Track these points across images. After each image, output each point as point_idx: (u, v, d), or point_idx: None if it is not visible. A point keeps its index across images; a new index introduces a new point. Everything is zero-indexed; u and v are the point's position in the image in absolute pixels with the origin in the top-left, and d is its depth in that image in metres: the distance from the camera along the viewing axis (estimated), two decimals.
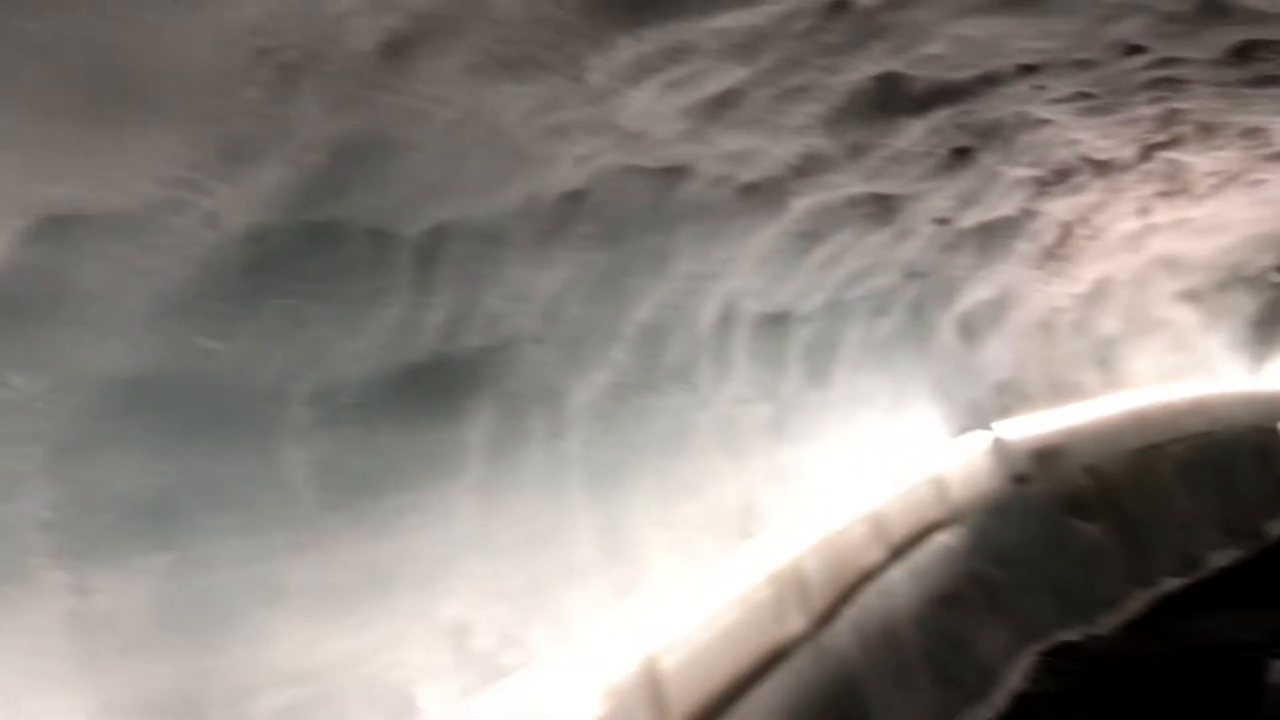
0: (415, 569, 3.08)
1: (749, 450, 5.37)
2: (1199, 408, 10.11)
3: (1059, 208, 7.58)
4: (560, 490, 3.82)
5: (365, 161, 2.66)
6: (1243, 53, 4.70)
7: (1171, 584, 9.12)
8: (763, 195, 4.77)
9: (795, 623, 4.41)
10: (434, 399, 3.26)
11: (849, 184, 5.11)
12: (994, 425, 7.70)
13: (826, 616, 4.82)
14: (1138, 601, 8.66)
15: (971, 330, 7.77)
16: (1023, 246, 7.68)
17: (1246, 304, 11.25)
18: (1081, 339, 9.24)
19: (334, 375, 2.86)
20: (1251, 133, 6.96)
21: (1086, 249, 8.42)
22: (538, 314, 3.73)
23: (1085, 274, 8.79)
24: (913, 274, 6.78)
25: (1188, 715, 5.81)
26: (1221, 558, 9.91)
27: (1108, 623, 8.11)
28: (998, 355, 8.19)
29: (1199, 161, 7.54)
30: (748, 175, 4.50)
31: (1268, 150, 7.26)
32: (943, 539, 6.89)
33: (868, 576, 5.29)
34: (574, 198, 3.64)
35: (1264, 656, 6.28)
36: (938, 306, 7.23)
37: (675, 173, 4.06)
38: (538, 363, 3.75)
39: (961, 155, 5.67)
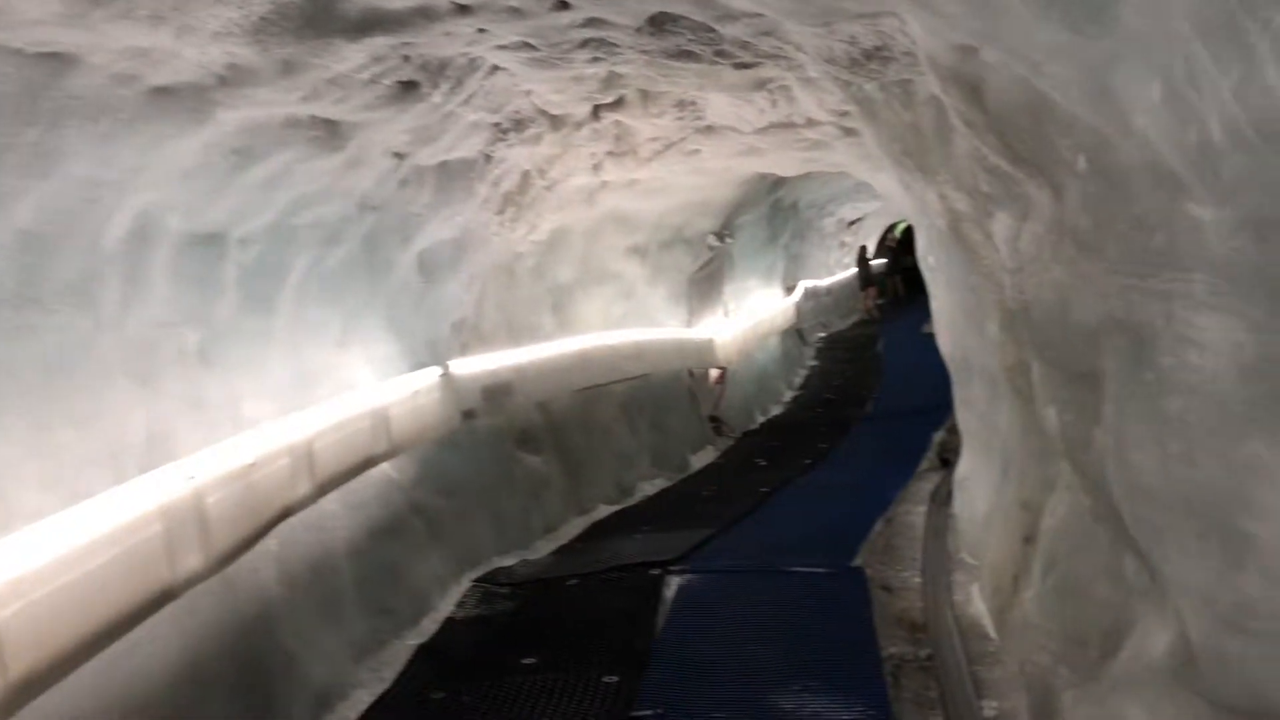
0: None
1: (166, 377, 4.97)
2: (640, 353, 11.16)
3: (518, 156, 7.89)
4: None
5: None
6: (658, 24, 5.15)
7: (606, 511, 10.04)
8: (182, 102, 4.38)
9: (192, 560, 4.16)
10: None
11: (285, 103, 4.86)
12: (450, 362, 7.87)
13: (236, 553, 4.61)
14: (574, 528, 9.42)
15: (431, 268, 7.86)
16: (484, 190, 7.89)
17: (686, 263, 12.60)
18: (539, 284, 9.76)
19: None
20: (684, 105, 7.70)
21: (546, 199, 8.87)
22: None
23: (544, 223, 9.28)
24: (368, 206, 6.68)
25: (595, 624, 6.37)
26: (650, 487, 11.10)
27: (544, 548, 8.73)
28: (457, 295, 8.38)
29: (642, 127, 8.22)
30: (159, 78, 4.10)
31: (700, 123, 8.09)
32: (387, 472, 6.95)
33: (292, 510, 5.15)
34: None
35: (664, 573, 7.12)
36: (396, 242, 7.21)
37: (59, 61, 3.58)
38: None
39: (411, 90, 5.65)
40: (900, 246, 31.61)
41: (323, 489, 5.46)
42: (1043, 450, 5.69)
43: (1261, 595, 2.82)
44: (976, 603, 6.60)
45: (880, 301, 27.56)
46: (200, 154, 4.77)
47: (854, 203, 23.74)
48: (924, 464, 10.88)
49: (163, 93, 4.22)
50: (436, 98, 5.87)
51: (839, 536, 7.93)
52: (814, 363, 20.06)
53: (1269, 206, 2.20)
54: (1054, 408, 4.64)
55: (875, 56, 4.18)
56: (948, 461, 10.86)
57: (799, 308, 19.34)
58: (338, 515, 6.30)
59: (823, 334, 22.92)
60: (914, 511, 9.13)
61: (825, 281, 24.46)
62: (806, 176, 15.62)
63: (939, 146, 5.09)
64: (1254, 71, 1.91)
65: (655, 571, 7.12)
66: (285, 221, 5.89)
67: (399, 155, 6.60)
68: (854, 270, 27.09)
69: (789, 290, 19.11)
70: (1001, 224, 4.68)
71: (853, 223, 28.01)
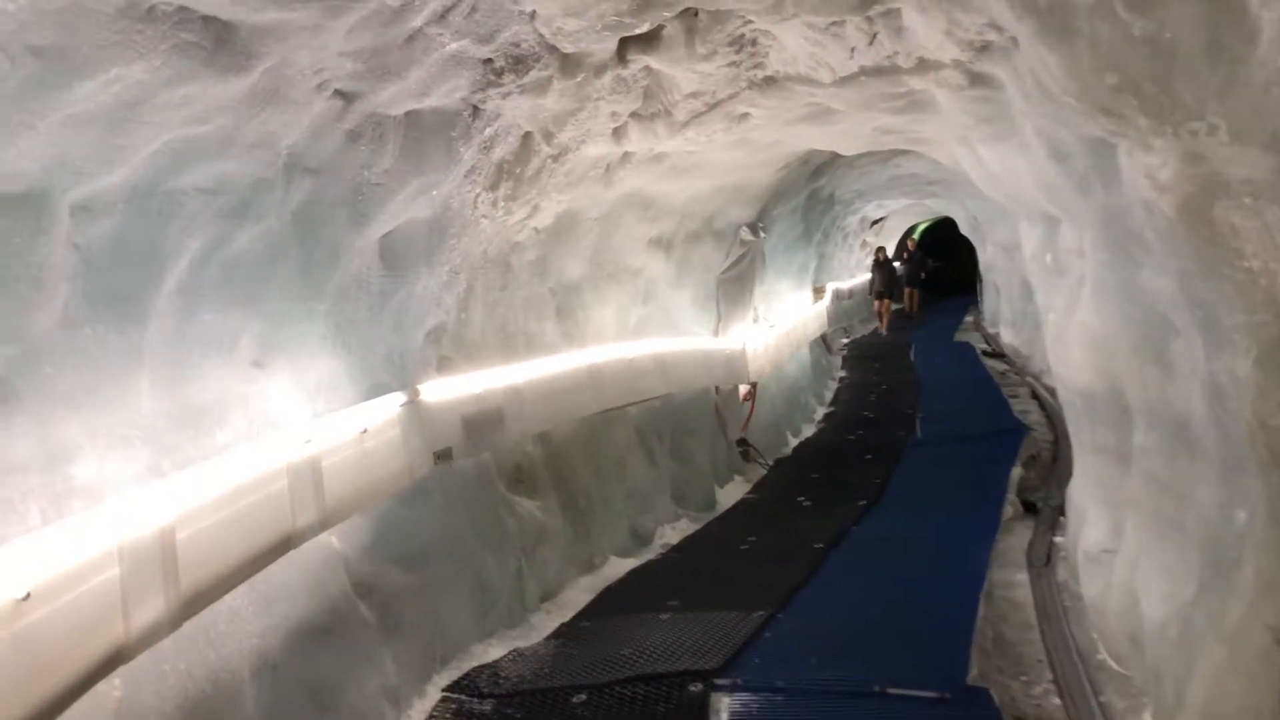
0: None
1: None
2: (662, 367, 9.14)
3: (517, 110, 5.87)
4: None
5: None
6: None
7: (619, 566, 8.04)
8: None
9: None
10: None
11: None
12: (421, 386, 5.84)
13: None
14: (581, 593, 7.42)
15: (399, 259, 5.84)
16: (470, 155, 5.88)
17: (716, 259, 10.57)
18: (541, 282, 7.73)
19: None
20: (742, 43, 5.69)
21: (552, 172, 6.85)
22: None
23: (549, 204, 7.25)
24: (301, 167, 4.67)
25: None
26: (673, 532, 9.09)
27: (543, 626, 6.72)
28: (434, 294, 6.37)
29: (681, 77, 6.21)
30: None
31: (759, 72, 6.07)
32: (324, 541, 4.93)
33: (127, 653, 3.09)
34: None
35: (708, 689, 5.12)
36: (346, 220, 5.19)
37: None
38: None
39: None
40: (920, 251, 29.07)
41: (192, 605, 3.42)
42: None
43: None
44: None
45: (899, 308, 25.45)
46: None
47: (881, 199, 21.86)
48: (1006, 510, 8.85)
49: None
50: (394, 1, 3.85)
51: (936, 628, 5.91)
52: (843, 374, 18.06)
53: None
54: None
55: None
56: (1033, 507, 8.89)
57: (829, 313, 17.38)
58: (242, 618, 4.28)
59: (846, 340, 21.03)
60: (1015, 583, 7.12)
61: (848, 284, 22.55)
62: (847, 165, 13.71)
63: (1209, 70, 3.09)
64: None
65: (696, 688, 5.10)
66: (160, 181, 3.87)
67: (344, 95, 4.58)
68: (869, 275, 24.42)
69: (818, 293, 17.12)
70: None
71: (875, 222, 26.07)
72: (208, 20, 3.37)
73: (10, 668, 2.53)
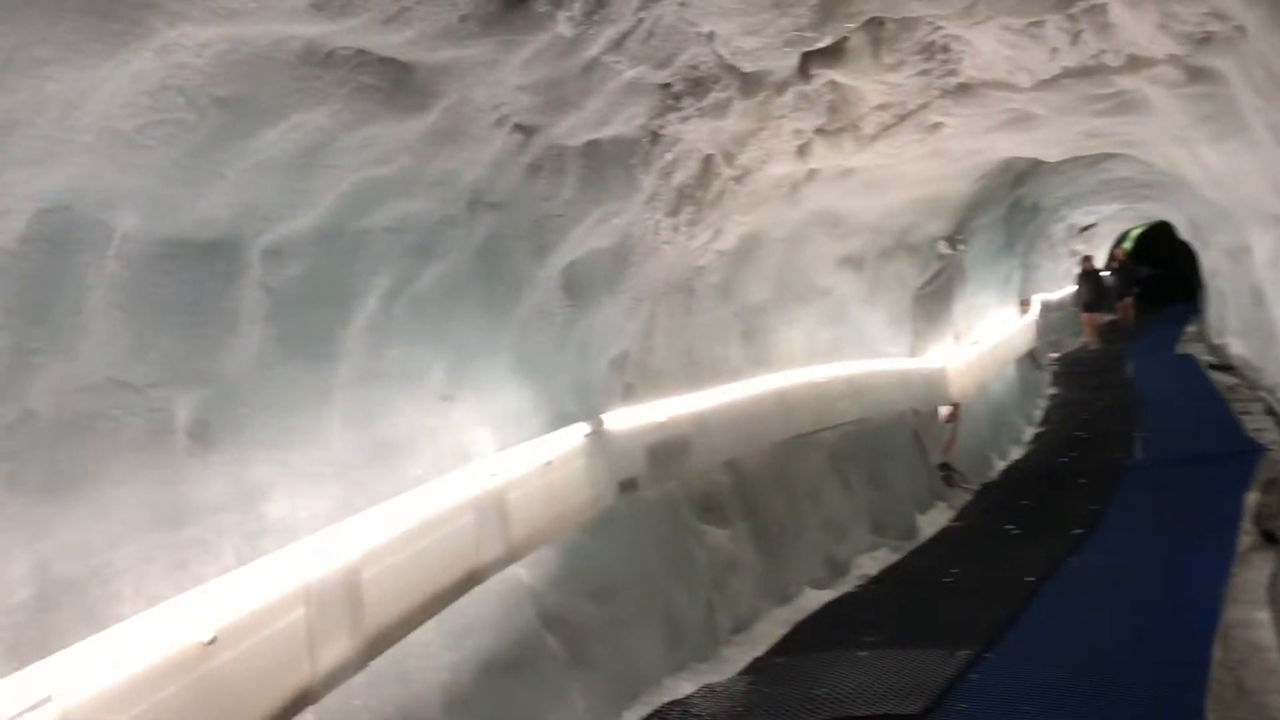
0: None
1: (111, 475, 3.07)
2: (855, 390, 8.82)
3: (697, 134, 5.77)
4: None
5: None
6: None
7: (814, 598, 7.77)
8: (112, 18, 2.47)
9: None
10: None
11: (292, 14, 2.88)
12: (604, 415, 5.79)
13: None
14: (774, 626, 7.18)
15: (581, 288, 5.83)
16: (650, 182, 5.82)
17: (911, 275, 10.16)
18: (725, 306, 7.59)
19: None
20: (932, 50, 5.40)
21: (734, 194, 6.71)
22: None
23: (732, 227, 7.11)
24: (483, 203, 4.70)
25: None
26: (871, 563, 8.73)
27: (735, 659, 6.53)
28: (617, 322, 6.33)
29: (868, 89, 5.96)
30: None
31: (951, 79, 5.75)
32: (513, 574, 4.92)
33: (312, 696, 3.10)
34: None
35: None
36: (527, 253, 5.21)
37: None
38: None
39: (519, 6, 3.58)
40: (1132, 260, 26.99)
41: (378, 644, 3.43)
42: None
43: None
44: None
45: (1110, 319, 23.82)
46: (156, 110, 2.86)
47: (1089, 205, 20.68)
48: (1241, 540, 8.05)
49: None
50: (564, 26, 3.80)
51: (1164, 673, 5.38)
52: (1053, 391, 17.11)
53: None
54: None
55: None
56: (1273, 537, 8.07)
57: (1036, 327, 16.50)
58: (431, 652, 4.31)
59: (1055, 355, 19.92)
60: (1255, 622, 6.43)
61: (1056, 295, 21.37)
62: (1052, 171, 12.99)
63: None
64: None
65: None
66: (346, 223, 3.95)
67: (523, 128, 4.58)
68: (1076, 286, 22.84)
69: (1024, 306, 16.28)
70: None
71: (1084, 228, 24.69)
72: (385, 62, 3.41)
73: (196, 711, 2.57)
